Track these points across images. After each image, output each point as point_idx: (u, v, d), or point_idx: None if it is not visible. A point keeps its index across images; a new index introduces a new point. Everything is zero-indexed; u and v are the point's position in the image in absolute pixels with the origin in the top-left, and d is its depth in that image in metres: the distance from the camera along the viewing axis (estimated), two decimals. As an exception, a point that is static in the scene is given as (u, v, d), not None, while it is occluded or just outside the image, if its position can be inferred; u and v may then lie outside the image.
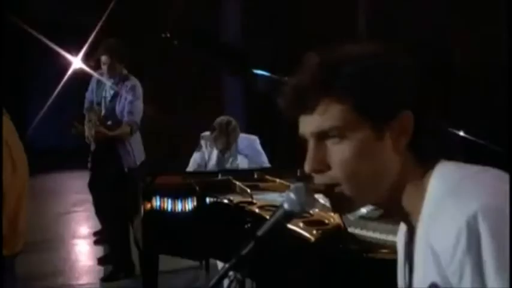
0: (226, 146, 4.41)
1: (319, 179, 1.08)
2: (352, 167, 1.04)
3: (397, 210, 1.11)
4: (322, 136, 1.06)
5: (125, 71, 5.21)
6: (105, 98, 5.23)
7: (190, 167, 4.63)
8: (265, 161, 4.52)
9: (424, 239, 1.01)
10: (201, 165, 4.58)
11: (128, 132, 5.10)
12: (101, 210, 5.50)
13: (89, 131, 5.18)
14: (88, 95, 5.47)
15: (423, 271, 1.02)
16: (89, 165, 5.37)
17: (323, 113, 1.04)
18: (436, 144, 1.08)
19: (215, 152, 4.54)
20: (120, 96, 5.15)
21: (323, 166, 1.06)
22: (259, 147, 4.57)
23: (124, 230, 4.98)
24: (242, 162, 4.47)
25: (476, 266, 0.92)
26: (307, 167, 1.08)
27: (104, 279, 5.09)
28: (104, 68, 5.11)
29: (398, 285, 1.20)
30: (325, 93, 1.04)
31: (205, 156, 4.57)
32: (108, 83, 5.19)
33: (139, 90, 5.20)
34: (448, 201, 0.98)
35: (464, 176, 1.01)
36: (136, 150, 5.20)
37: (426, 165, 1.06)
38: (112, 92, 5.20)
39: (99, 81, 5.29)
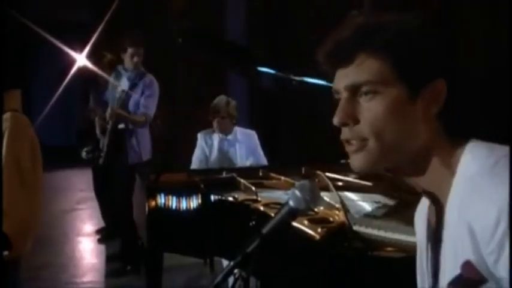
0: (227, 126, 4.58)
1: (346, 134, 1.09)
2: (381, 124, 1.05)
3: (421, 181, 1.11)
4: (355, 90, 1.07)
5: (142, 68, 5.30)
6: (120, 91, 5.23)
7: (194, 165, 4.68)
8: (261, 154, 4.68)
9: (458, 216, 1.01)
10: (202, 161, 4.64)
11: (143, 121, 5.17)
12: (101, 200, 5.71)
13: (110, 112, 5.15)
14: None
15: (455, 248, 1.02)
16: (101, 160, 5.34)
17: (359, 66, 1.05)
18: (466, 119, 1.08)
19: (216, 141, 4.66)
20: (137, 91, 5.20)
21: (352, 120, 1.07)
22: (257, 141, 4.73)
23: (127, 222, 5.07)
24: (241, 150, 4.63)
25: None
26: (336, 119, 1.08)
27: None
28: (135, 59, 5.15)
29: (417, 260, 1.19)
30: (364, 47, 1.05)
31: (205, 150, 4.65)
32: (126, 74, 5.23)
33: (157, 87, 5.29)
34: (486, 182, 0.98)
35: (499, 159, 1.00)
36: (143, 146, 5.25)
37: (456, 141, 1.07)
38: (128, 84, 5.22)
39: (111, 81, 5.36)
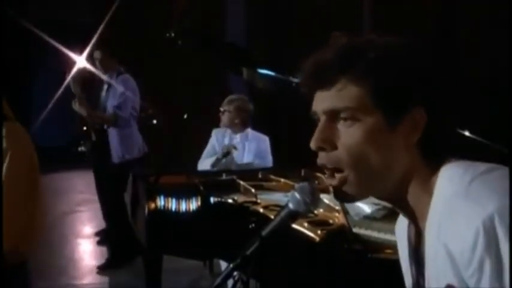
0: (229, 122, 4.60)
1: (322, 158, 1.07)
2: (360, 152, 1.03)
3: (400, 205, 1.10)
4: (334, 116, 1.05)
5: (120, 68, 5.35)
6: (102, 94, 5.40)
7: (202, 160, 4.68)
8: (269, 159, 4.66)
9: (436, 240, 1.00)
10: (211, 156, 4.67)
11: (111, 121, 5.25)
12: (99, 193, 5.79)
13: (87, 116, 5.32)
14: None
15: (437, 272, 1.01)
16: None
17: (340, 91, 1.03)
18: (445, 143, 1.07)
19: (226, 138, 4.69)
20: (113, 91, 5.29)
21: (329, 145, 1.05)
22: (268, 148, 4.72)
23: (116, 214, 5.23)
24: (249, 150, 4.63)
25: (495, 268, 0.91)
26: (312, 143, 1.06)
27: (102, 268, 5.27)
28: (97, 63, 5.26)
29: (405, 277, 1.19)
30: (345, 72, 1.03)
31: (215, 146, 4.69)
32: (104, 78, 5.34)
33: (132, 84, 5.33)
34: (460, 204, 0.96)
35: (473, 178, 0.99)
36: (123, 146, 5.32)
37: (433, 164, 1.05)
38: (106, 86, 5.34)
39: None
